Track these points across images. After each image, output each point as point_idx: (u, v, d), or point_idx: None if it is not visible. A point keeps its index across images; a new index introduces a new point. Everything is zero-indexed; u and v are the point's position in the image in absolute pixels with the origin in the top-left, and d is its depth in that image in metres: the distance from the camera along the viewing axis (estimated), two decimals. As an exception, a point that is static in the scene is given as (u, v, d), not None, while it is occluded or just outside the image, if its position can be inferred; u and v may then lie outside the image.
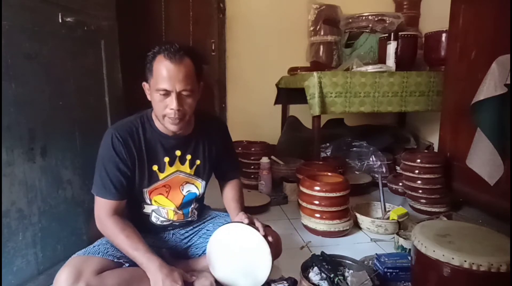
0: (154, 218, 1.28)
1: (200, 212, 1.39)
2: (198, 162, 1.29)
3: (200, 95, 1.19)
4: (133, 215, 1.25)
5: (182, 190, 1.29)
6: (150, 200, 1.25)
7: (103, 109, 1.58)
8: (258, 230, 1.16)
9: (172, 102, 1.09)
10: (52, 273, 1.09)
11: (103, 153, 1.16)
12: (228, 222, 1.23)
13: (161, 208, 1.27)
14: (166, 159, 1.23)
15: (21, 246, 1.16)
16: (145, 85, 1.19)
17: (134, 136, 1.18)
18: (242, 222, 1.18)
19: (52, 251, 1.28)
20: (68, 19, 1.31)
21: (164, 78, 1.07)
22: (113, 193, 1.15)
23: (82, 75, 1.42)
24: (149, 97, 1.18)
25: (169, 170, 1.24)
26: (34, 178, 1.20)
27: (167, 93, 1.09)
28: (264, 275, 1.15)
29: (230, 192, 1.39)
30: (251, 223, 1.18)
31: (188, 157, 1.27)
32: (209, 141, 1.31)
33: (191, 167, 1.28)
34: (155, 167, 1.21)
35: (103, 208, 1.15)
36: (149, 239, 1.21)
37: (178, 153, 1.24)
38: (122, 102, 1.68)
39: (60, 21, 1.28)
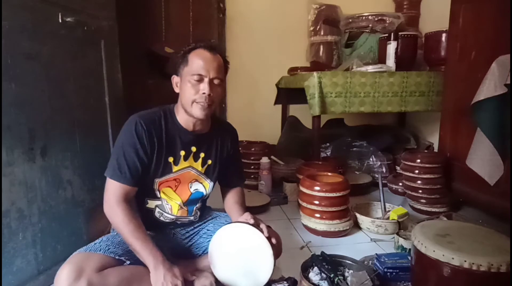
0: (157, 214, 1.29)
1: (202, 212, 1.40)
2: (209, 161, 1.32)
3: (224, 91, 1.22)
4: (137, 210, 1.24)
5: (190, 187, 1.30)
6: (159, 191, 1.26)
7: (103, 109, 1.58)
8: (263, 232, 1.16)
9: (204, 87, 1.16)
10: (52, 273, 1.09)
11: (124, 138, 1.18)
12: (232, 222, 1.23)
13: (166, 203, 1.28)
14: (182, 153, 1.25)
15: (21, 246, 1.16)
16: (174, 77, 1.25)
17: (156, 126, 1.21)
18: (247, 223, 1.18)
19: (52, 251, 1.28)
20: (68, 19, 1.31)
21: (200, 64, 1.16)
22: (127, 178, 1.16)
23: (82, 75, 1.42)
24: (176, 90, 1.24)
25: (182, 164, 1.27)
26: (34, 178, 1.20)
27: (200, 79, 1.16)
28: (265, 277, 1.15)
29: (233, 196, 1.40)
30: (256, 224, 1.18)
31: (202, 155, 1.30)
32: (222, 144, 1.35)
33: (203, 166, 1.31)
34: (171, 159, 1.24)
35: (115, 192, 1.15)
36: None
37: (193, 149, 1.27)
38: (122, 102, 1.68)
39: (60, 21, 1.28)
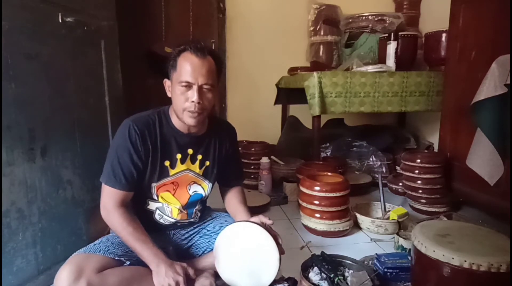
0: (157, 216, 1.29)
1: (202, 213, 1.40)
2: (207, 163, 1.31)
3: (217, 94, 1.20)
4: (137, 211, 1.25)
5: (189, 189, 1.30)
6: (157, 196, 1.25)
7: (103, 109, 1.57)
8: (275, 237, 1.15)
9: (193, 94, 1.13)
10: (52, 273, 1.09)
11: (118, 143, 1.17)
12: (244, 221, 1.22)
13: (166, 206, 1.28)
14: (178, 156, 1.24)
15: (21, 246, 1.16)
16: (166, 81, 1.22)
17: (150, 129, 1.19)
18: (258, 224, 1.17)
19: (52, 251, 1.28)
20: (68, 19, 1.31)
21: (188, 71, 1.12)
22: (123, 184, 1.15)
23: (82, 75, 1.42)
24: (169, 94, 1.21)
25: (179, 167, 1.25)
26: (34, 178, 1.20)
27: (189, 86, 1.13)
28: (268, 280, 1.15)
29: (236, 196, 1.40)
30: (269, 229, 1.18)
31: (199, 157, 1.28)
32: (220, 144, 1.33)
33: (200, 167, 1.30)
34: (167, 163, 1.23)
35: (111, 198, 1.15)
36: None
37: (190, 151, 1.26)
38: (122, 102, 1.68)
39: (60, 21, 1.28)
